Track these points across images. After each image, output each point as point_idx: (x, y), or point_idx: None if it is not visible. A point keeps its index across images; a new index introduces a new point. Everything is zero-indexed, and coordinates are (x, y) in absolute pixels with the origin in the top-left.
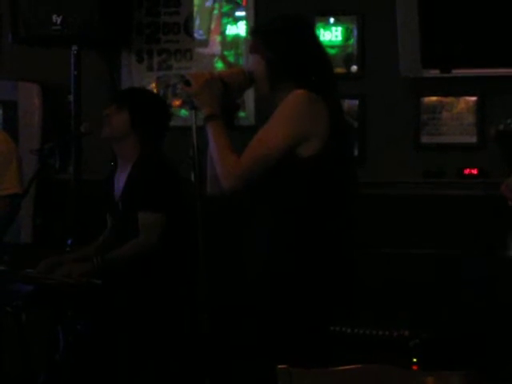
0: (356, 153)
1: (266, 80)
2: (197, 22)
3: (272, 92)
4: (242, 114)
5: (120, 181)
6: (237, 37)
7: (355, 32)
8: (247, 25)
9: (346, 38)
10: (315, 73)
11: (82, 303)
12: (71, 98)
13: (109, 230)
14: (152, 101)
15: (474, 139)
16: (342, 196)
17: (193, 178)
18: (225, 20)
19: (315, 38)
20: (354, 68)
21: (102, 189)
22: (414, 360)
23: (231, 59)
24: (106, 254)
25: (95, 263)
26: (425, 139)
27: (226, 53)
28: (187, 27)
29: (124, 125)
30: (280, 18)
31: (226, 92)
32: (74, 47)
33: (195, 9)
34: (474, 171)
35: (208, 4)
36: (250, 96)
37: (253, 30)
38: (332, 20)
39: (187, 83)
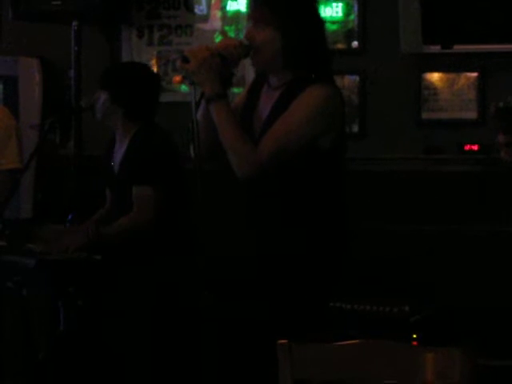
0: (356, 129)
1: (279, 54)
2: None
3: (274, 68)
4: (238, 89)
5: (118, 155)
6: (237, 12)
7: (356, 7)
8: (248, 0)
9: (347, 13)
10: (325, 51)
11: (83, 278)
12: (71, 73)
13: (108, 204)
14: (132, 73)
15: (474, 115)
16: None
17: (192, 152)
18: None
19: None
20: (355, 44)
21: (102, 163)
22: (414, 336)
23: (232, 34)
24: (100, 229)
25: (89, 235)
26: (425, 115)
27: (226, 28)
28: (187, 2)
29: (104, 104)
30: None
31: (222, 65)
32: (75, 23)
33: None
34: (475, 147)
35: None
36: (250, 70)
37: (262, 1)
38: None
39: (185, 60)
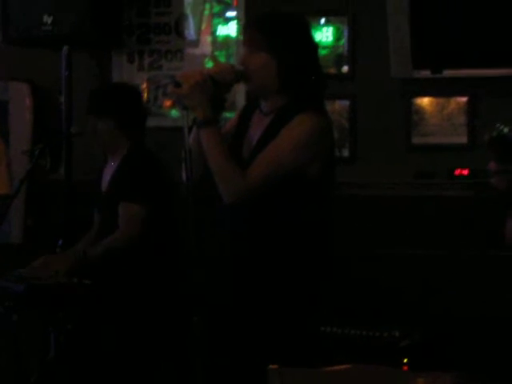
0: (347, 153)
1: (273, 79)
2: (187, 23)
3: (267, 94)
4: (229, 114)
5: (107, 174)
6: (227, 37)
7: (346, 32)
8: (238, 25)
9: (337, 38)
10: (319, 76)
11: (73, 303)
12: (62, 98)
13: (96, 226)
14: (129, 96)
15: (464, 140)
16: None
17: (184, 179)
18: (216, 20)
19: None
20: (345, 68)
21: (93, 186)
22: (405, 361)
23: (222, 59)
24: (87, 250)
25: (77, 258)
26: (416, 140)
27: (216, 53)
28: (178, 28)
29: (109, 133)
30: (283, 16)
31: (215, 89)
32: (65, 48)
33: (186, 9)
34: (465, 172)
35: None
36: (241, 95)
37: (258, 27)
38: (323, 20)
39: (177, 84)
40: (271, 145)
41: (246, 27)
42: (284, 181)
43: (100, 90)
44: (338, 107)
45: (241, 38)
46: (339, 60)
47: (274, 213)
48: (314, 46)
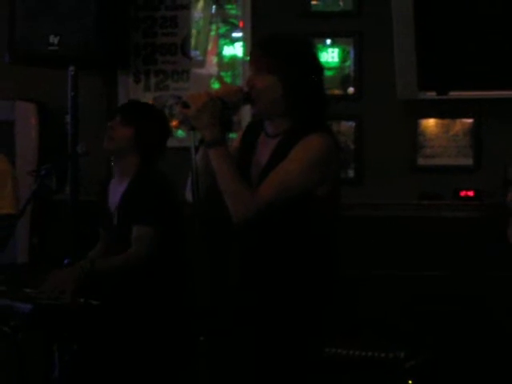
0: (352, 174)
1: (279, 101)
2: (194, 43)
3: (273, 116)
4: (233, 134)
5: (116, 194)
6: (233, 58)
7: (352, 53)
8: (244, 46)
9: (343, 59)
10: (324, 98)
11: (79, 324)
12: (68, 118)
13: (101, 243)
14: (157, 117)
15: (470, 161)
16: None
17: (190, 199)
18: (222, 41)
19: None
20: (351, 90)
21: (97, 203)
22: (410, 382)
23: (228, 80)
24: (95, 264)
25: (85, 269)
26: (421, 161)
27: (222, 74)
28: (184, 48)
29: (128, 140)
30: (289, 38)
31: (222, 110)
32: (71, 68)
33: (192, 30)
34: (470, 193)
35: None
36: (247, 116)
37: (264, 49)
38: (329, 41)
39: (185, 105)
40: (280, 166)
41: (253, 50)
42: (293, 201)
43: (135, 101)
44: (343, 128)
45: (247, 58)
46: (345, 81)
47: (281, 232)
48: (320, 67)
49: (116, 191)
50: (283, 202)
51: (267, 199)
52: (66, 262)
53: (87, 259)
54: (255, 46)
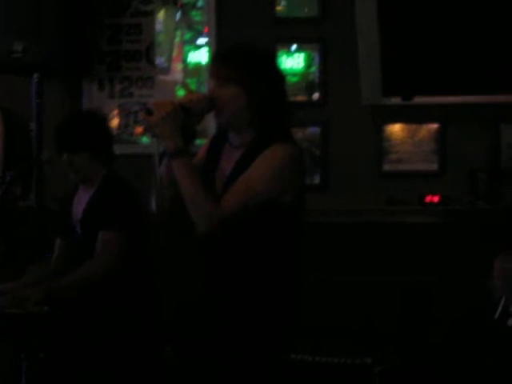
0: (318, 180)
1: (243, 112)
2: (158, 50)
3: (237, 127)
4: (200, 141)
5: (81, 203)
6: (198, 64)
7: (317, 59)
8: (209, 52)
9: (308, 65)
10: (287, 106)
11: (42, 333)
12: (33, 125)
13: (59, 256)
14: (100, 125)
15: (435, 166)
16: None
17: (154, 207)
18: (186, 47)
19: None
20: (316, 95)
21: (60, 212)
22: None
23: (193, 87)
24: (61, 278)
25: (51, 289)
26: (387, 167)
27: (187, 80)
28: (149, 55)
29: (85, 165)
30: (251, 48)
31: (186, 119)
32: (36, 75)
33: (157, 36)
34: (436, 198)
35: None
36: (212, 123)
37: (227, 60)
38: (294, 47)
39: (149, 112)
40: (243, 176)
41: (213, 60)
42: (256, 210)
43: (65, 125)
44: (309, 134)
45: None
46: (310, 87)
47: (245, 240)
48: (282, 77)
49: (81, 201)
50: (247, 211)
51: (231, 209)
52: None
53: (43, 275)
54: (217, 57)
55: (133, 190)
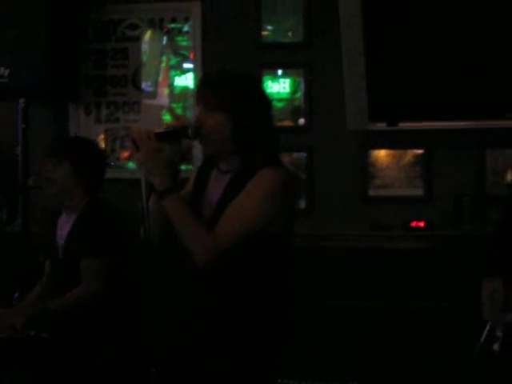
0: (303, 205)
1: (229, 139)
2: (144, 75)
3: (223, 154)
4: (189, 166)
5: (64, 229)
6: (185, 89)
7: (302, 85)
8: (195, 77)
9: (294, 90)
10: (273, 132)
11: (29, 356)
12: (19, 150)
13: (48, 277)
14: (90, 147)
15: (420, 192)
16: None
17: (142, 232)
18: (172, 72)
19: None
20: (302, 121)
21: (44, 237)
22: None
23: (179, 111)
24: (47, 304)
25: (37, 311)
26: (372, 192)
27: (173, 105)
28: (135, 80)
29: (68, 177)
30: (238, 75)
31: (171, 151)
32: (22, 100)
33: (143, 61)
34: (421, 224)
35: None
36: (198, 149)
37: (213, 87)
38: (280, 72)
39: (134, 143)
40: (236, 202)
41: (199, 85)
42: (249, 237)
43: (64, 137)
44: (294, 159)
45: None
46: (296, 112)
47: (236, 266)
48: (269, 101)
49: (64, 226)
50: (243, 238)
51: (227, 237)
52: (16, 295)
53: (31, 300)
54: (203, 83)
55: (115, 216)
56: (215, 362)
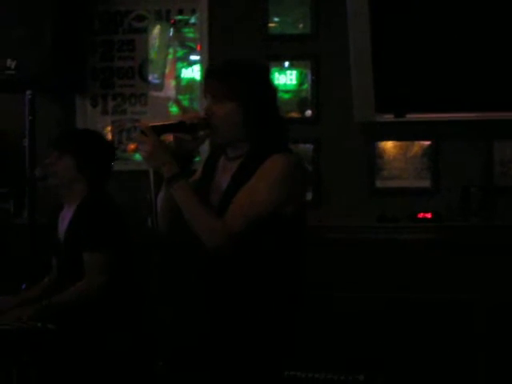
0: (310, 197)
1: (239, 127)
2: (151, 67)
3: (234, 141)
4: (197, 158)
5: (64, 221)
6: (191, 81)
7: (309, 76)
8: (201, 69)
9: (301, 82)
10: (281, 119)
11: (36, 348)
12: (26, 142)
13: (54, 271)
14: (95, 141)
15: (427, 183)
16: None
17: (150, 223)
18: (179, 64)
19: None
20: (309, 112)
21: (48, 230)
22: None
23: (186, 103)
24: (52, 297)
25: (43, 306)
26: (379, 183)
27: (180, 97)
28: (141, 71)
29: (70, 170)
30: (245, 64)
31: (178, 144)
32: (29, 92)
33: (150, 53)
34: (428, 215)
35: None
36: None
37: (221, 76)
38: (287, 64)
39: (143, 133)
40: (246, 188)
41: (206, 76)
42: (261, 223)
43: (69, 130)
44: (301, 151)
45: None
46: (303, 104)
47: (248, 252)
48: (275, 90)
49: (65, 218)
50: (254, 223)
51: (237, 222)
52: (23, 286)
53: (43, 294)
54: (210, 73)
55: (115, 206)
56: (225, 353)
